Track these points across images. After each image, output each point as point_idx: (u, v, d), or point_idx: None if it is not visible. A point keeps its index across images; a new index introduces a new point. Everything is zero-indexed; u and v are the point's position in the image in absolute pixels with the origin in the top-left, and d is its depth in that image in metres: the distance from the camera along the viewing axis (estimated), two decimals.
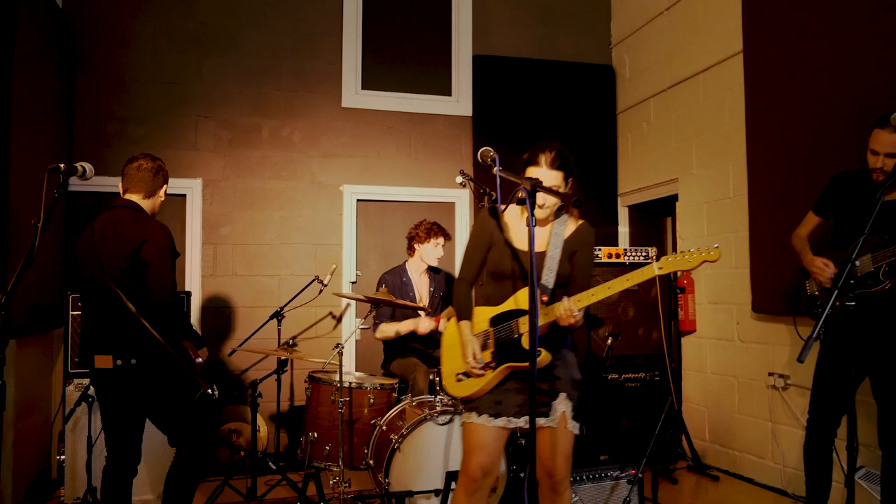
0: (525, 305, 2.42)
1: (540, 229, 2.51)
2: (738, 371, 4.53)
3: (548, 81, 5.78)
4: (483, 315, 2.56)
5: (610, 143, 5.91)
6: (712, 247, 2.24)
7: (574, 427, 2.48)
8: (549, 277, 2.46)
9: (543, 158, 2.45)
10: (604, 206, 5.83)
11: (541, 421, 2.43)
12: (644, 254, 4.77)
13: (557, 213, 2.55)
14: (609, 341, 4.36)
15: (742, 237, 4.42)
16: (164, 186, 3.10)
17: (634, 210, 5.87)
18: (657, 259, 2.32)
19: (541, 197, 2.39)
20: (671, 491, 4.20)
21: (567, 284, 2.52)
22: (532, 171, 2.45)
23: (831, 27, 3.76)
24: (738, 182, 4.50)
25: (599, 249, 4.67)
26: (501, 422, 2.46)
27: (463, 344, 2.53)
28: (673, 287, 4.99)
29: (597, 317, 4.67)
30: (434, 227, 4.24)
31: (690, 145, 5.01)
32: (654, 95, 5.42)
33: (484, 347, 2.51)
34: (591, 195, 5.77)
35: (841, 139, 3.60)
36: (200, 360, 3.02)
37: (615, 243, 5.78)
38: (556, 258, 2.47)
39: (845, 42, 3.67)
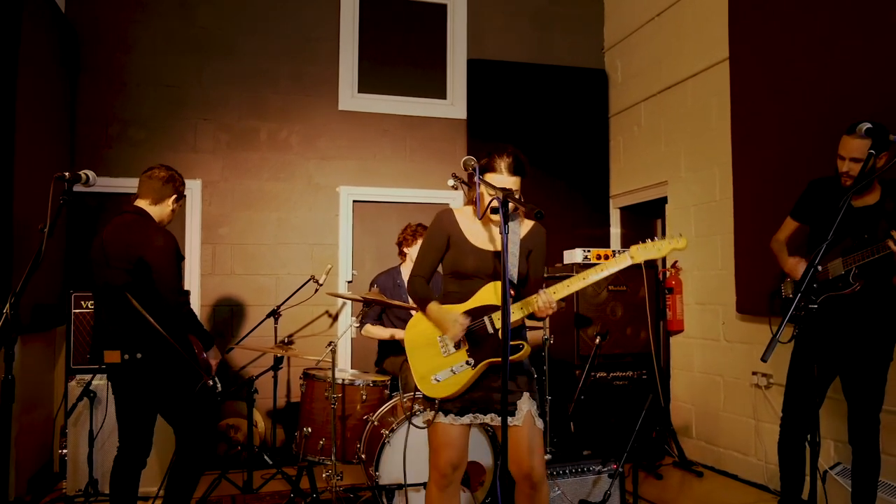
0: (492, 301, 2.47)
1: (495, 229, 2.54)
2: (724, 370, 4.64)
3: (541, 85, 5.88)
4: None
5: (602, 145, 6.01)
6: (678, 235, 2.38)
7: (540, 423, 2.52)
8: (512, 273, 2.48)
9: (502, 164, 2.48)
10: (596, 207, 5.94)
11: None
12: None
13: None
14: (597, 340, 4.47)
15: (728, 240, 4.51)
16: (174, 197, 3.15)
17: (626, 212, 5.97)
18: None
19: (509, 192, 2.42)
20: (655, 486, 4.30)
21: (525, 282, 2.60)
22: (490, 178, 2.48)
23: (814, 38, 3.86)
24: (724, 185, 4.60)
25: (588, 251, 4.78)
26: (467, 419, 2.50)
27: (442, 321, 2.46)
28: (661, 288, 5.09)
29: (586, 316, 4.77)
30: (419, 228, 4.33)
31: (679, 149, 5.11)
32: (645, 100, 5.52)
33: (457, 347, 2.49)
34: (584, 197, 5.89)
35: (822, 146, 3.65)
36: (214, 360, 3.17)
37: (607, 244, 5.88)
38: (516, 255, 2.51)
39: (827, 52, 3.76)
